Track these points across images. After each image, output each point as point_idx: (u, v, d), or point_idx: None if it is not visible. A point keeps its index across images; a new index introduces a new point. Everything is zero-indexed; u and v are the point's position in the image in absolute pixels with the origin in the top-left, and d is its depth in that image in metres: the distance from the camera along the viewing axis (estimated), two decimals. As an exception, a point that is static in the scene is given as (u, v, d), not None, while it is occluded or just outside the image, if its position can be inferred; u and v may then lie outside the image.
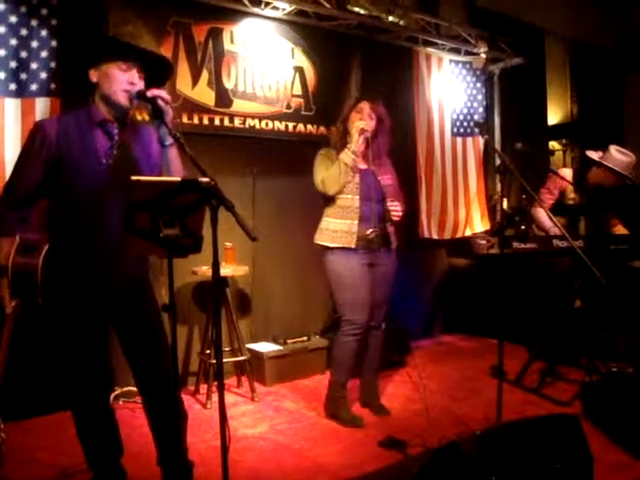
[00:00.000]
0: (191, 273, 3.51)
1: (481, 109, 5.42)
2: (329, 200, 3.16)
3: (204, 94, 3.82)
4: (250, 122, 4.03)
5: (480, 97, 5.41)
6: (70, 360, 2.17)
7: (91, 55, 2.13)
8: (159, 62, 2.26)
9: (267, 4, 3.95)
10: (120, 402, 3.40)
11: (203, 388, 3.61)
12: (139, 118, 3.32)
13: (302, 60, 4.28)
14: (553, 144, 6.55)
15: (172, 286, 1.79)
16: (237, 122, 3.97)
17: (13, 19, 3.08)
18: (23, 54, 3.11)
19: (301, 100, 4.28)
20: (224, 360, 2.87)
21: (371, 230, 3.09)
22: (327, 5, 4.13)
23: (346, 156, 3.07)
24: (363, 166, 3.16)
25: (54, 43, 3.19)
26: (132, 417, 3.18)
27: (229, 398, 3.55)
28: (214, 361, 3.34)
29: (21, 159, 2.13)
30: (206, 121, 3.83)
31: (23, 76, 3.11)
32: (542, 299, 4.29)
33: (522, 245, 3.46)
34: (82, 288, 2.10)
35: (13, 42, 3.09)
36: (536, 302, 4.37)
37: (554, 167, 5.44)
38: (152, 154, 2.21)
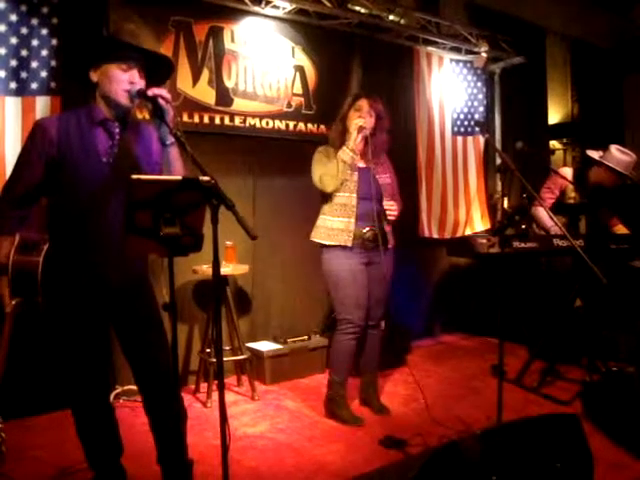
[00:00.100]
0: (191, 272, 3.51)
1: (482, 108, 5.42)
2: (326, 197, 3.16)
3: (205, 93, 3.82)
4: (250, 121, 4.03)
5: (481, 96, 5.41)
6: (70, 359, 2.17)
7: (91, 56, 2.13)
8: (160, 61, 2.26)
9: (268, 3, 3.95)
10: (121, 400, 3.41)
11: (203, 387, 3.61)
12: (140, 117, 3.32)
13: (302, 59, 4.28)
14: (554, 143, 6.55)
15: (172, 285, 1.79)
16: (237, 121, 3.97)
17: (13, 17, 3.09)
18: (23, 53, 3.12)
19: (301, 99, 4.28)
20: (224, 359, 2.88)
21: (368, 229, 3.09)
22: (328, 4, 4.13)
23: (344, 154, 3.06)
24: (362, 164, 3.16)
25: (54, 42, 3.19)
26: (132, 416, 3.18)
27: (229, 397, 3.55)
28: (214, 360, 3.34)
29: (21, 158, 2.13)
30: (206, 120, 3.83)
31: (23, 75, 3.12)
32: (542, 298, 4.29)
33: (523, 244, 3.46)
34: (82, 287, 2.09)
35: (13, 40, 3.09)
36: (537, 301, 4.38)
37: (555, 166, 5.43)
38: (153, 153, 2.21)
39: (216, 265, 1.77)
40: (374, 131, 3.13)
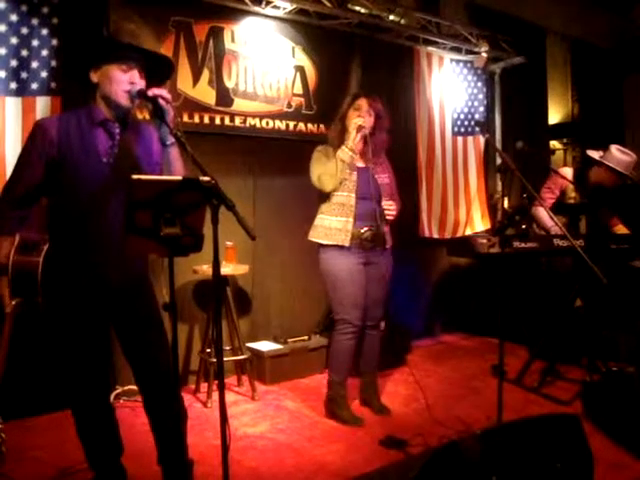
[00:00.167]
0: (192, 272, 3.51)
1: (482, 108, 5.42)
2: (325, 197, 3.15)
3: (205, 93, 3.82)
4: (251, 121, 4.03)
5: (481, 96, 5.40)
6: (70, 359, 2.17)
7: (91, 57, 2.13)
8: (160, 61, 2.26)
9: (268, 3, 3.95)
10: (121, 401, 3.41)
11: (203, 387, 3.61)
12: (140, 117, 3.32)
13: (303, 59, 4.28)
14: (554, 143, 6.55)
15: (173, 285, 1.80)
16: (238, 121, 3.97)
17: (14, 18, 3.09)
18: (24, 53, 3.12)
19: (302, 99, 4.28)
20: (224, 359, 2.88)
21: (366, 229, 3.08)
22: (328, 4, 4.13)
23: (343, 153, 3.06)
24: (361, 164, 3.15)
25: (55, 42, 3.19)
26: (132, 416, 3.18)
27: (229, 397, 3.55)
28: (215, 360, 3.34)
29: (21, 158, 2.13)
30: (207, 120, 3.83)
31: (24, 75, 3.12)
32: (543, 298, 4.29)
33: (523, 244, 3.46)
34: (82, 287, 2.10)
35: (14, 41, 3.09)
36: (537, 301, 4.37)
37: (555, 166, 5.43)
38: (153, 153, 2.22)
39: (216, 265, 1.78)
40: (373, 130, 3.13)
